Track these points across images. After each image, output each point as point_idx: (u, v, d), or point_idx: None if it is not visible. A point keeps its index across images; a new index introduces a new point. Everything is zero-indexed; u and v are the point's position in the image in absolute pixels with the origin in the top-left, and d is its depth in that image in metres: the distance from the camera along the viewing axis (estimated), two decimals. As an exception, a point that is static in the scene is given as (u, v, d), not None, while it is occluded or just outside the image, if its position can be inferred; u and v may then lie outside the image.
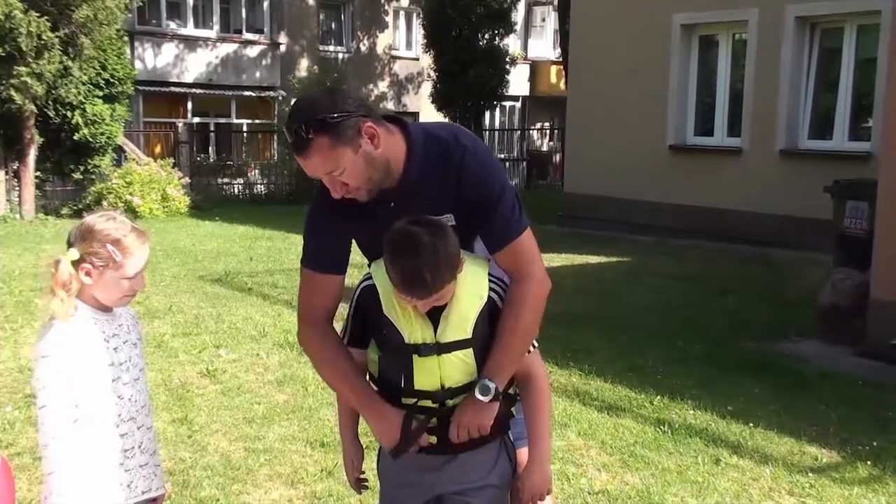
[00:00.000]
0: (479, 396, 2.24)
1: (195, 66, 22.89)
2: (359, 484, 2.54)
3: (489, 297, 2.29)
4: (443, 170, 2.34)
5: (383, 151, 2.28)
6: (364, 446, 2.56)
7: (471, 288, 2.27)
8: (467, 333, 2.25)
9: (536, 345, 2.38)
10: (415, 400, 2.30)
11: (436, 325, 2.25)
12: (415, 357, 2.26)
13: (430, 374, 2.27)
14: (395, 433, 2.31)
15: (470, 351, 2.26)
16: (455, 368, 2.26)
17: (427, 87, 25.00)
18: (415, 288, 2.14)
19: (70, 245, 2.34)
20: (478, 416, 2.29)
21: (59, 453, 2.26)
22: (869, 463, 4.43)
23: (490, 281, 2.31)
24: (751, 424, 4.94)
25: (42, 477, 2.33)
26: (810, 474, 4.29)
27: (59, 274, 2.29)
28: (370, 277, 2.34)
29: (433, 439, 2.32)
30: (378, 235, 2.28)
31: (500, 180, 2.37)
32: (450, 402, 2.29)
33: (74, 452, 2.27)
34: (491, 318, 2.29)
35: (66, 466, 2.26)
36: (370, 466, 2.56)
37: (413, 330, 2.25)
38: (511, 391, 2.38)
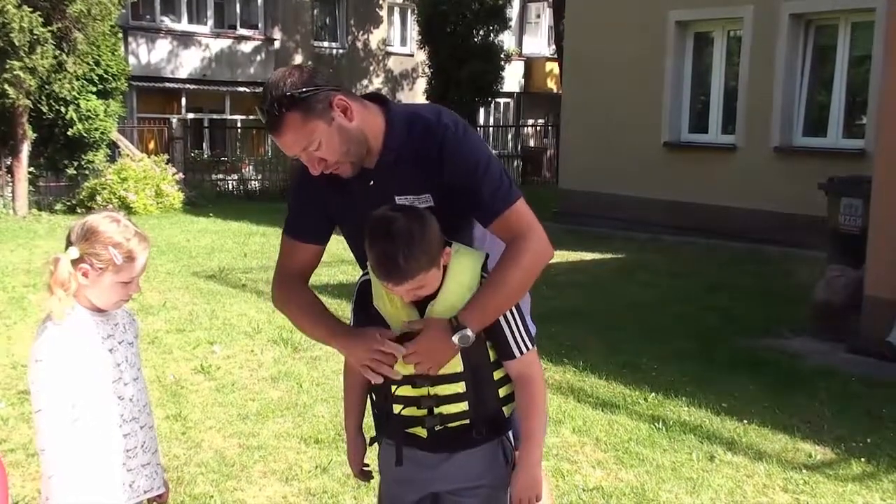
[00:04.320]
0: (455, 340, 2.20)
1: (189, 62, 22.83)
2: (363, 474, 2.56)
3: None
4: (424, 149, 2.32)
5: (359, 125, 2.28)
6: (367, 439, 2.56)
7: (461, 279, 2.26)
8: None
9: (533, 346, 2.35)
10: (397, 387, 2.29)
11: (423, 314, 2.25)
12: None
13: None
14: (367, 355, 2.29)
15: None
16: None
17: (422, 84, 24.97)
18: (389, 272, 2.14)
19: (70, 244, 2.31)
20: (437, 354, 2.23)
21: (58, 456, 2.24)
22: (863, 459, 4.44)
23: (483, 276, 2.29)
24: (745, 421, 4.95)
25: (36, 475, 2.32)
26: (804, 471, 4.30)
27: (58, 272, 2.26)
28: (367, 273, 2.34)
29: (423, 432, 2.31)
30: (357, 215, 2.28)
31: (485, 156, 2.35)
32: (431, 391, 2.28)
33: (73, 454, 2.26)
34: None
35: (65, 469, 2.25)
36: (372, 458, 2.56)
37: (398, 319, 2.26)
38: (507, 391, 2.36)
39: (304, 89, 2.20)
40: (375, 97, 2.41)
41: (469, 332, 2.20)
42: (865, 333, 6.35)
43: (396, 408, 2.32)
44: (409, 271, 2.12)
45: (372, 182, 2.34)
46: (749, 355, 6.36)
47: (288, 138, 2.24)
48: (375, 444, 2.51)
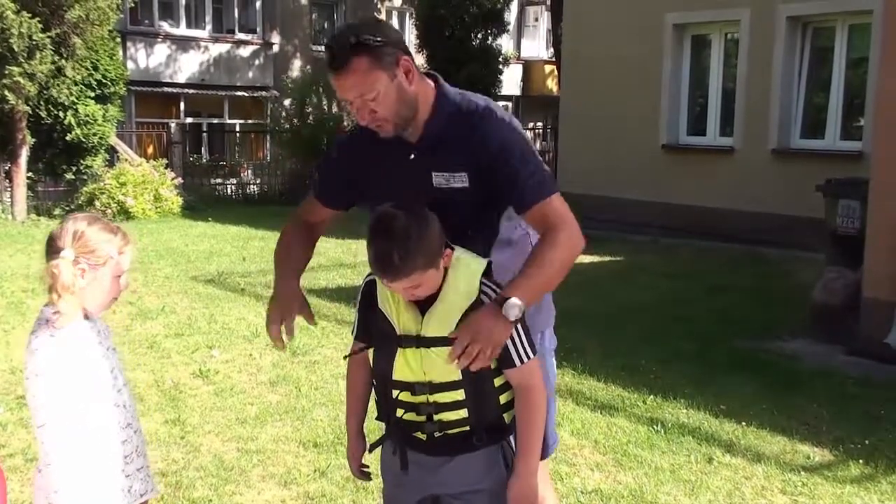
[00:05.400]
0: (506, 312, 2.18)
1: (188, 67, 22.85)
2: (362, 474, 2.58)
3: (480, 298, 2.27)
4: (468, 129, 2.39)
5: (415, 90, 2.36)
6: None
7: (459, 286, 2.26)
8: (449, 331, 2.24)
9: (534, 355, 2.34)
10: (398, 392, 2.30)
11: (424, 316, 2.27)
12: (398, 348, 2.28)
13: (408, 366, 2.27)
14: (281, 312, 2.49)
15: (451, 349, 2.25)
16: (435, 365, 2.25)
17: (420, 87, 24.97)
18: (384, 269, 2.17)
19: (58, 249, 2.30)
20: (494, 333, 2.19)
21: (65, 471, 2.24)
22: (861, 461, 4.44)
23: (482, 283, 2.29)
24: (743, 423, 4.95)
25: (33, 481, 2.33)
26: (802, 473, 4.30)
27: (63, 277, 2.26)
28: (372, 274, 2.36)
29: (423, 436, 2.32)
30: (390, 187, 2.35)
31: (528, 147, 2.43)
32: (430, 399, 2.28)
33: (79, 468, 2.26)
34: None
35: (73, 482, 2.24)
36: (371, 460, 2.58)
37: (402, 321, 2.27)
38: (508, 397, 2.36)
39: (378, 38, 2.26)
40: (429, 74, 2.49)
41: (517, 301, 2.19)
42: (863, 335, 6.36)
43: (399, 412, 2.32)
44: (404, 270, 2.14)
45: (412, 156, 2.41)
46: (748, 357, 6.37)
47: (349, 81, 2.29)
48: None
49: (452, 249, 2.27)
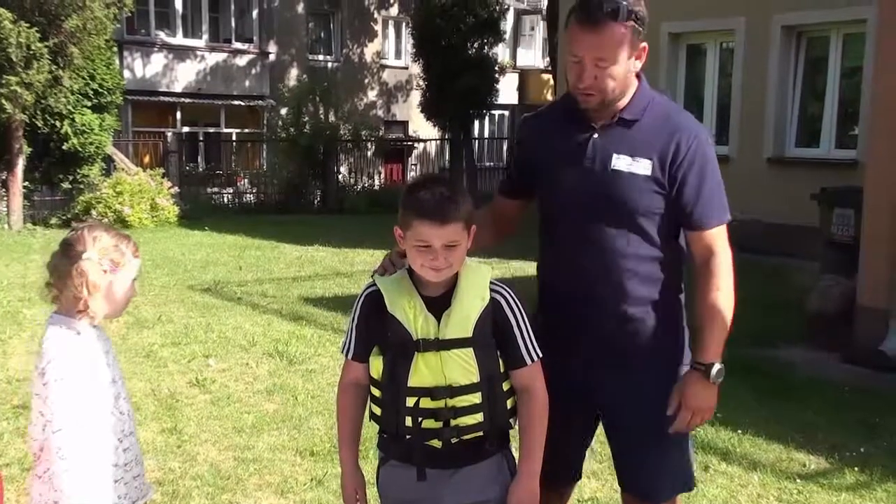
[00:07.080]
0: (714, 380, 2.54)
1: (184, 76, 22.88)
2: None
3: (492, 298, 2.31)
4: (663, 118, 2.49)
5: (632, 79, 2.47)
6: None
7: (473, 288, 2.30)
8: (468, 332, 2.27)
9: (537, 358, 2.37)
10: (415, 399, 2.29)
11: (439, 321, 2.27)
12: (416, 353, 2.27)
13: (429, 371, 2.27)
14: None
15: (470, 351, 2.27)
16: (455, 367, 2.27)
17: (416, 96, 25.03)
18: (443, 207, 2.21)
19: (78, 253, 2.30)
20: (709, 399, 2.55)
21: (77, 477, 2.23)
22: (856, 469, 4.45)
23: (492, 283, 2.34)
24: (739, 431, 4.96)
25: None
26: (798, 480, 4.31)
27: (91, 275, 2.27)
28: (373, 285, 2.37)
29: (438, 443, 2.31)
30: (562, 171, 2.47)
31: (717, 164, 2.53)
32: (449, 403, 2.28)
33: (89, 474, 2.26)
34: (495, 323, 2.31)
35: (80, 488, 2.24)
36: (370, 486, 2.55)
37: (419, 325, 2.28)
38: (512, 403, 2.37)
39: (642, 19, 2.40)
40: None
41: (719, 365, 2.57)
42: (859, 343, 6.37)
43: (410, 421, 2.30)
44: (459, 211, 2.23)
45: (596, 135, 2.47)
46: (743, 365, 6.34)
47: (597, 41, 2.35)
48: (371, 468, 2.50)
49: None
